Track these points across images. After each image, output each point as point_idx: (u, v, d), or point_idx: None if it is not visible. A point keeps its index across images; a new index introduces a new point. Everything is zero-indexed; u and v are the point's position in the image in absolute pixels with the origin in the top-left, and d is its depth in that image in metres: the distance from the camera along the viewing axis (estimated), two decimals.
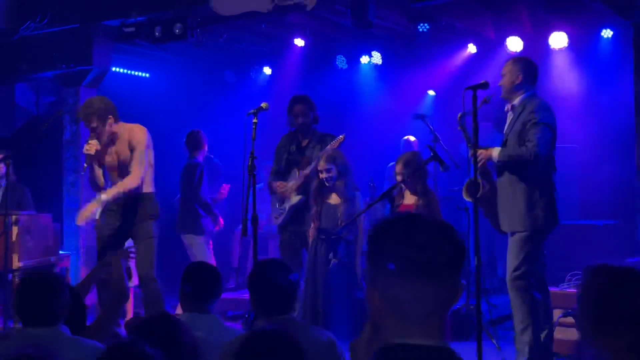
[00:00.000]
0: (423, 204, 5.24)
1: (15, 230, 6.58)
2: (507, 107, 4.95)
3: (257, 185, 8.81)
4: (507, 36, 8.39)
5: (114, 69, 9.19)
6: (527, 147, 4.67)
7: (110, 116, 5.63)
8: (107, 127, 5.60)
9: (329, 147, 5.88)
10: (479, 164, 4.66)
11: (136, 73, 10.12)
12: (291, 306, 3.23)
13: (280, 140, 6.40)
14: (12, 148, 7.44)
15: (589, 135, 8.13)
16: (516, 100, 4.87)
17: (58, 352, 2.56)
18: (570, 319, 5.68)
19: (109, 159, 5.73)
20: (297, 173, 6.12)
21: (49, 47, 7.88)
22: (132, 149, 5.61)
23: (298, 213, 6.06)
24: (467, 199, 4.54)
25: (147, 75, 10.27)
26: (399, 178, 5.24)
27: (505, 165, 4.75)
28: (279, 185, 6.13)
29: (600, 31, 8.03)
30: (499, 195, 4.86)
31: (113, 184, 5.76)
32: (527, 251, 4.76)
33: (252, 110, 5.17)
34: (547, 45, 8.35)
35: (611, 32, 7.97)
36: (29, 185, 7.60)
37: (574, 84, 8.36)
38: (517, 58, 5.04)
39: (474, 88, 4.38)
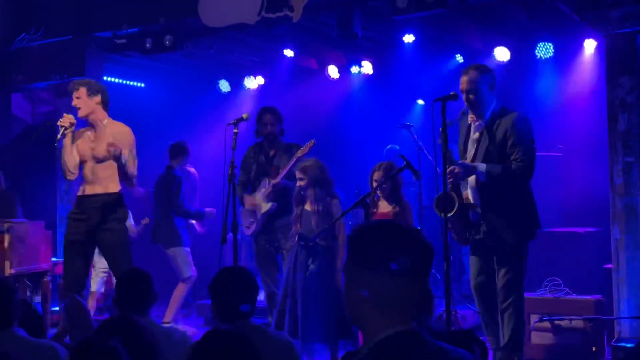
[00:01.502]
0: (398, 212, 5.36)
1: (7, 237, 6.71)
2: (472, 117, 4.91)
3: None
4: (494, 46, 8.52)
5: (109, 79, 9.36)
6: (520, 166, 4.71)
7: (99, 97, 5.56)
8: (90, 104, 5.50)
9: (299, 151, 6.05)
10: (451, 179, 4.66)
11: (131, 83, 10.28)
12: (250, 311, 3.35)
13: (247, 151, 6.58)
14: (6, 157, 7.60)
15: (572, 143, 8.25)
16: (487, 113, 4.86)
17: (14, 354, 2.68)
18: (546, 324, 5.80)
19: (84, 145, 5.56)
20: (268, 182, 6.29)
21: (43, 59, 8.06)
22: (116, 147, 5.34)
23: (270, 220, 6.24)
24: (438, 214, 4.63)
25: (142, 85, 10.43)
26: (374, 185, 5.37)
27: (493, 179, 4.74)
28: (248, 201, 6.32)
29: (584, 41, 8.16)
30: (484, 208, 4.83)
31: (83, 177, 5.59)
32: (521, 256, 4.88)
33: (232, 121, 5.32)
34: (534, 55, 8.48)
35: (595, 43, 8.10)
36: (24, 192, 7.76)
37: (558, 93, 8.49)
38: (480, 67, 4.92)
39: (444, 99, 4.48)
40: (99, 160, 5.55)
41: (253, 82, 10.00)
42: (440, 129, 4.69)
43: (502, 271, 4.89)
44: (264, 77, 9.97)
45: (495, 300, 4.97)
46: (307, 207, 5.56)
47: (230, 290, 3.29)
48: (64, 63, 7.94)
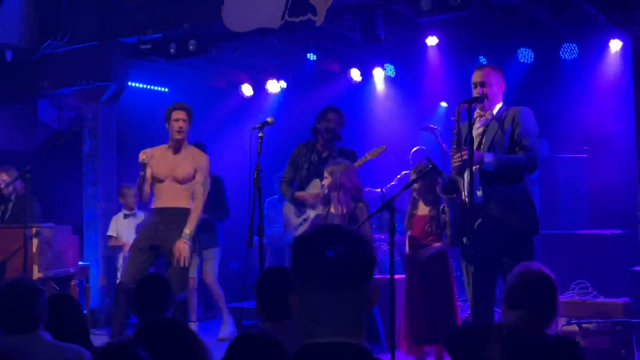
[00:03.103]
0: (434, 215, 5.36)
1: (35, 242, 6.79)
2: (479, 112, 4.87)
3: (273, 197, 9.03)
4: (518, 48, 8.46)
5: (133, 84, 9.44)
6: (527, 155, 4.70)
7: (189, 123, 5.95)
8: (186, 128, 5.91)
9: (368, 154, 6.20)
10: (459, 163, 4.63)
11: (155, 88, 10.35)
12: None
13: (298, 148, 6.47)
14: (33, 162, 7.68)
15: (597, 145, 8.18)
16: (495, 109, 4.86)
17: (37, 357, 2.69)
18: (574, 327, 5.75)
19: (164, 166, 5.89)
20: (319, 184, 6.06)
21: (69, 64, 8.16)
22: (195, 173, 5.87)
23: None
24: (444, 196, 4.61)
25: (166, 90, 10.49)
26: (415, 187, 5.38)
27: (500, 168, 4.69)
28: (304, 195, 6.19)
29: (609, 42, 8.09)
30: (486, 199, 4.71)
31: (156, 195, 5.93)
32: (532, 252, 4.83)
33: (257, 125, 5.32)
34: (558, 56, 8.42)
35: (620, 43, 8.03)
36: (50, 197, 7.84)
37: (583, 94, 8.42)
38: (494, 66, 4.99)
39: (470, 102, 4.49)
40: (178, 181, 5.89)
41: (275, 86, 10.02)
42: (454, 117, 4.69)
43: (512, 267, 4.72)
44: (286, 81, 9.98)
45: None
46: (332, 209, 5.57)
47: (276, 289, 3.31)
48: (90, 69, 8.03)
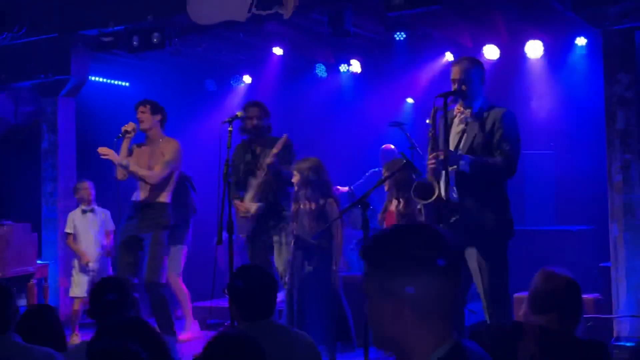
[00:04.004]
0: (406, 212, 5.31)
1: None
2: (459, 109, 4.74)
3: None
4: (484, 44, 8.48)
5: (93, 78, 9.21)
6: (505, 161, 4.58)
7: (159, 116, 6.43)
8: (152, 120, 6.35)
9: (274, 149, 5.83)
10: (434, 165, 4.53)
11: (116, 82, 10.13)
12: (271, 310, 3.27)
13: (235, 149, 6.29)
14: None
15: (563, 141, 8.23)
16: (476, 106, 4.71)
17: None
18: None
19: (138, 158, 6.28)
20: (254, 182, 6.05)
21: (27, 57, 7.90)
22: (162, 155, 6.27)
23: (260, 220, 6.01)
24: (417, 200, 4.51)
25: (127, 84, 10.27)
26: (386, 186, 5.32)
27: (477, 171, 4.59)
28: (239, 208, 6.07)
29: (575, 39, 8.14)
30: (462, 200, 4.58)
31: (138, 187, 6.32)
32: (505, 253, 4.78)
33: (227, 119, 5.21)
34: (523, 53, 8.45)
35: (585, 40, 8.08)
36: (7, 194, 7.59)
37: (549, 91, 8.47)
38: (475, 59, 4.84)
39: (445, 95, 4.42)
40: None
41: (240, 81, 9.88)
42: (428, 120, 4.62)
43: (485, 266, 4.64)
44: (251, 75, 9.86)
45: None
46: (303, 205, 5.48)
47: (252, 289, 3.21)
48: (49, 62, 7.78)
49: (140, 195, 6.31)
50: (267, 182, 5.96)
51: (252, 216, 6.03)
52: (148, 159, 6.31)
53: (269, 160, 5.86)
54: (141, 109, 6.38)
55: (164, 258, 6.23)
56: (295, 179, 5.57)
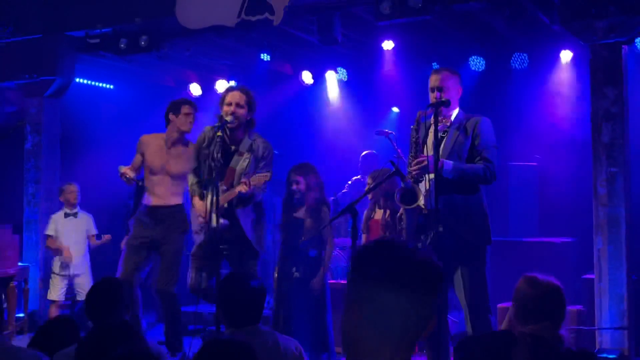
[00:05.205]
0: (393, 222, 5.31)
1: None
2: (438, 118, 4.63)
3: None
4: (470, 55, 8.54)
5: (78, 79, 9.13)
6: (487, 167, 4.66)
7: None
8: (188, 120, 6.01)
9: (251, 181, 4.88)
10: (417, 171, 4.58)
11: (100, 84, 10.06)
12: (258, 316, 3.27)
13: (203, 136, 5.24)
14: None
15: (548, 153, 8.28)
16: (453, 115, 4.80)
17: None
18: None
19: (161, 160, 5.95)
20: (221, 187, 4.93)
21: (12, 57, 7.83)
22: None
23: (217, 234, 4.85)
24: (401, 205, 4.54)
25: (111, 87, 10.21)
26: (369, 195, 5.32)
27: (459, 177, 4.65)
28: (198, 206, 5.14)
29: (560, 52, 8.21)
30: (442, 207, 4.56)
31: (149, 189, 5.99)
32: (485, 260, 4.80)
33: (216, 124, 5.08)
34: (509, 64, 8.52)
35: (571, 54, 8.16)
36: None
37: (533, 103, 8.53)
38: (451, 70, 4.90)
39: (436, 105, 4.45)
40: (172, 176, 5.98)
41: (225, 86, 9.84)
42: (412, 127, 4.66)
43: (466, 276, 4.70)
44: (236, 81, 9.82)
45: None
46: (299, 214, 5.44)
47: (239, 296, 3.21)
48: (34, 62, 7.71)
49: (153, 200, 5.95)
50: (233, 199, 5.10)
51: (210, 229, 4.88)
52: (184, 163, 5.81)
53: (240, 188, 4.93)
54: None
55: (179, 266, 5.90)
56: (298, 185, 5.52)
